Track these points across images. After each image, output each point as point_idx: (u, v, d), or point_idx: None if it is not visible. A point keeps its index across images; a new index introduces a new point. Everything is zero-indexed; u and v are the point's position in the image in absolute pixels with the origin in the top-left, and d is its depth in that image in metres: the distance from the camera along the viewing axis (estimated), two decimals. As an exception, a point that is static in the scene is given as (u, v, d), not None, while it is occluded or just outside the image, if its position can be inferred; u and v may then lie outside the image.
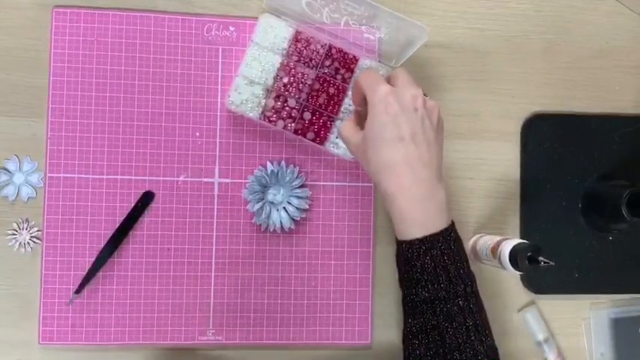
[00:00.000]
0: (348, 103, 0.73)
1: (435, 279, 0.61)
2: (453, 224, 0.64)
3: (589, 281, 0.79)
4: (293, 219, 0.73)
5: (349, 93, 0.73)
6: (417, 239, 0.61)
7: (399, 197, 0.61)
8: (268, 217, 0.73)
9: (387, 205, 0.63)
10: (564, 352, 0.79)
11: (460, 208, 0.78)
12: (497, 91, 0.79)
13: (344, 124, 0.68)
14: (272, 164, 0.74)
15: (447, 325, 0.60)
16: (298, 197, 0.74)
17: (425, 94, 0.65)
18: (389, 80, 0.64)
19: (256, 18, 0.73)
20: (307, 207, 0.74)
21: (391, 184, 0.62)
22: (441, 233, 0.61)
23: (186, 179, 0.73)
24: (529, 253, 0.66)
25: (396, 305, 0.76)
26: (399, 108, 0.61)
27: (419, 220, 0.61)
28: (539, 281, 0.78)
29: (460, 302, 0.61)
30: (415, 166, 0.61)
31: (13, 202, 0.72)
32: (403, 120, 0.61)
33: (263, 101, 0.72)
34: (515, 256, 0.66)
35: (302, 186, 0.74)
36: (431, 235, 0.61)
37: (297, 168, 0.74)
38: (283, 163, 0.74)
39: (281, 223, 0.73)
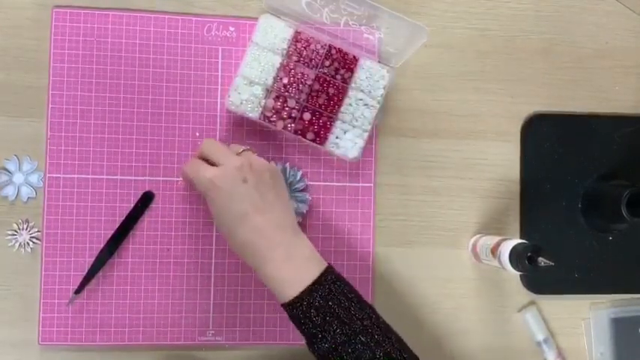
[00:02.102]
0: (348, 103, 0.73)
1: (329, 327, 0.61)
2: (328, 268, 0.63)
3: (589, 281, 0.79)
4: (292, 219, 0.74)
5: (349, 93, 0.73)
6: (296, 297, 0.61)
7: (264, 267, 0.63)
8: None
9: (259, 277, 0.64)
10: (564, 352, 0.79)
11: (460, 208, 0.78)
12: (497, 91, 0.79)
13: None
14: (276, 164, 0.74)
15: None
16: (298, 201, 0.74)
17: (251, 149, 0.66)
18: (204, 156, 0.66)
19: (256, 18, 0.73)
20: (304, 212, 0.74)
21: (253, 258, 0.63)
22: (316, 282, 0.61)
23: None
24: (529, 253, 0.66)
25: (396, 305, 0.76)
26: (228, 189, 0.62)
27: (290, 280, 0.62)
28: (539, 281, 0.78)
29: (362, 338, 0.60)
30: (268, 234, 0.62)
31: (13, 202, 0.72)
32: (237, 198, 0.62)
33: (263, 101, 0.72)
34: (515, 256, 0.66)
35: (303, 190, 0.74)
36: (306, 289, 0.61)
37: (301, 171, 0.74)
38: (287, 164, 0.74)
39: (280, 223, 0.73)
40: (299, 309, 0.61)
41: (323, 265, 0.63)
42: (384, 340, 0.61)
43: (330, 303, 0.61)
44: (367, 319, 0.62)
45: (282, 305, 0.63)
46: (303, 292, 0.61)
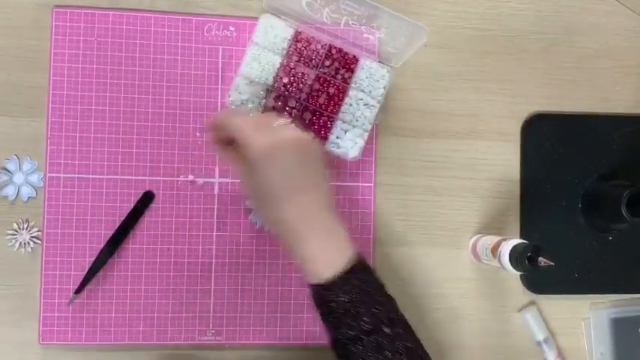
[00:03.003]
0: (348, 103, 0.73)
1: (356, 314, 0.60)
2: (358, 255, 0.63)
3: (589, 281, 0.79)
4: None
5: (349, 93, 0.73)
6: (329, 280, 0.60)
7: (301, 248, 0.61)
8: (268, 217, 0.73)
9: (292, 256, 0.63)
10: (564, 352, 0.79)
11: (460, 208, 0.78)
12: (497, 91, 0.79)
13: (224, 156, 0.66)
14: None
15: (378, 355, 0.60)
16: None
17: (291, 122, 0.64)
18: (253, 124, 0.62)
19: (256, 18, 0.73)
20: None
21: (291, 239, 0.62)
22: (349, 268, 0.61)
23: (194, 179, 0.73)
24: (529, 253, 0.66)
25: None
26: (279, 163, 0.60)
27: (325, 263, 0.61)
28: (539, 281, 0.78)
29: (386, 330, 0.60)
30: (310, 215, 0.61)
31: (13, 202, 0.72)
32: (287, 173, 0.61)
33: (263, 101, 0.72)
34: (515, 256, 0.66)
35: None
36: (340, 273, 0.60)
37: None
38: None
39: (281, 223, 0.73)
40: (331, 291, 0.60)
41: (354, 251, 0.63)
42: (405, 334, 0.62)
43: (361, 291, 0.61)
44: (392, 311, 0.62)
45: (314, 285, 0.62)
46: (338, 277, 0.60)
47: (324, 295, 0.61)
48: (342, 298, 0.60)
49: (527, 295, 0.79)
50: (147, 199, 0.73)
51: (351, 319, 0.60)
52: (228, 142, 0.65)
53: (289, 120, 0.64)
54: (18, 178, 0.72)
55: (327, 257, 0.61)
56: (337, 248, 0.62)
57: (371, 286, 0.62)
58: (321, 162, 0.63)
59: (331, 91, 0.73)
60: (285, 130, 0.62)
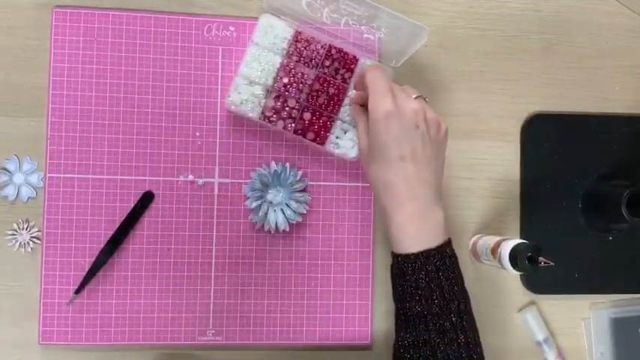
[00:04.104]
0: (348, 103, 0.73)
1: (428, 294, 0.61)
2: (449, 242, 0.64)
3: (589, 281, 0.79)
4: (289, 221, 0.73)
5: (349, 93, 0.73)
6: (413, 254, 0.62)
7: (396, 213, 0.63)
8: (265, 216, 0.73)
9: (385, 219, 0.64)
10: (564, 352, 0.79)
11: (460, 208, 0.78)
12: (497, 91, 0.79)
13: (353, 111, 0.70)
14: (276, 164, 0.74)
15: (438, 340, 0.60)
16: (297, 201, 0.74)
17: (425, 99, 0.65)
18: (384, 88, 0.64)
19: (256, 18, 0.73)
20: (305, 212, 0.74)
21: (389, 200, 0.63)
22: (437, 249, 0.62)
23: (194, 179, 0.73)
24: (529, 253, 0.66)
25: (396, 305, 0.76)
26: (400, 128, 0.62)
27: (415, 236, 0.62)
28: (539, 281, 0.78)
29: (453, 319, 0.61)
30: (414, 184, 0.62)
31: (13, 202, 0.72)
32: (404, 139, 0.62)
33: (263, 101, 0.72)
34: (515, 256, 0.66)
35: (303, 190, 0.74)
36: (426, 251, 0.62)
37: (301, 172, 0.74)
38: (287, 164, 0.74)
39: (276, 223, 0.73)
40: (411, 265, 0.62)
41: (446, 237, 0.64)
42: (470, 329, 0.62)
43: (440, 274, 0.61)
44: (464, 304, 0.63)
45: (397, 255, 0.63)
46: (421, 252, 0.62)
47: (405, 268, 0.62)
48: (421, 274, 0.61)
49: (527, 295, 0.79)
50: (147, 199, 0.73)
51: (423, 296, 0.61)
52: (363, 103, 0.67)
53: (424, 96, 0.66)
54: (18, 178, 0.72)
55: (418, 232, 0.62)
56: (430, 227, 0.63)
57: (452, 274, 0.62)
58: (439, 144, 0.65)
59: (331, 91, 0.73)
60: (411, 101, 0.63)
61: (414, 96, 0.65)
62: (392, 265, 0.64)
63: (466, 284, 0.63)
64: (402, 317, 0.63)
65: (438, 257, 0.62)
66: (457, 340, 0.61)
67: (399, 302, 0.64)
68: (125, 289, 0.72)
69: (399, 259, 0.63)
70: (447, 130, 0.66)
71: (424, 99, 0.66)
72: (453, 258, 0.63)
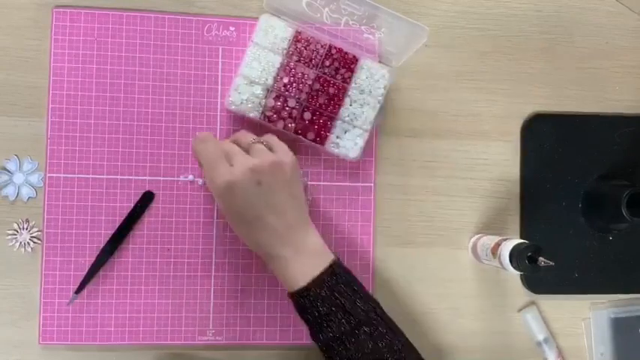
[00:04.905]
0: (348, 103, 0.73)
1: (334, 317, 0.62)
2: (336, 259, 0.65)
3: (589, 281, 0.79)
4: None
5: (349, 93, 0.73)
6: (303, 287, 0.63)
7: (275, 260, 0.65)
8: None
9: (268, 266, 0.66)
10: (564, 352, 0.79)
11: (460, 208, 0.78)
12: (497, 91, 0.79)
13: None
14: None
15: (360, 355, 0.61)
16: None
17: (262, 142, 0.65)
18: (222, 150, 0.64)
19: (256, 18, 0.73)
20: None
21: (264, 252, 0.65)
22: (324, 273, 0.63)
23: (194, 179, 0.73)
24: (529, 253, 0.66)
25: (396, 305, 0.76)
26: (244, 194, 0.62)
27: (299, 271, 0.63)
28: (539, 281, 0.78)
29: (366, 329, 0.62)
30: (279, 232, 0.64)
31: (13, 202, 0.72)
32: (252, 202, 0.63)
33: (263, 101, 0.72)
34: (515, 256, 0.66)
35: (303, 190, 0.74)
36: (314, 280, 0.63)
37: (301, 171, 0.74)
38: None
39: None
40: (306, 298, 0.62)
41: (330, 257, 0.65)
42: (387, 332, 0.62)
43: (335, 294, 0.62)
44: (372, 311, 0.63)
45: (290, 295, 0.64)
46: (310, 283, 0.63)
47: (302, 302, 0.63)
48: (318, 303, 0.62)
49: (527, 295, 0.79)
50: (147, 199, 0.73)
51: (330, 321, 0.62)
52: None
53: (260, 139, 0.66)
54: (18, 178, 0.72)
55: (299, 268, 0.64)
56: (309, 258, 0.64)
57: (347, 288, 0.63)
58: (290, 181, 0.65)
59: (331, 91, 0.73)
60: (247, 160, 0.63)
61: (250, 141, 0.65)
62: (294, 307, 0.65)
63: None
64: (323, 347, 0.63)
65: (327, 280, 0.63)
66: (378, 348, 0.61)
67: (312, 336, 0.65)
68: (125, 289, 0.72)
69: (295, 297, 0.64)
70: (294, 160, 0.66)
71: (261, 142, 0.66)
72: (343, 274, 0.64)
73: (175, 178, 0.74)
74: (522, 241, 0.68)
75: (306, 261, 0.64)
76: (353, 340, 0.61)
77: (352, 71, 0.73)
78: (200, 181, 0.74)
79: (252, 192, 0.63)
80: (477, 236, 0.77)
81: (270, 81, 0.72)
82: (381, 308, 0.65)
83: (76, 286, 0.71)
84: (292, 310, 0.74)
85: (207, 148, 0.65)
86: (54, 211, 0.72)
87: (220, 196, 0.64)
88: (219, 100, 0.74)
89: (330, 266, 0.64)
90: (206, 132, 0.70)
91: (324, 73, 0.73)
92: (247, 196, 0.62)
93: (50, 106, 0.72)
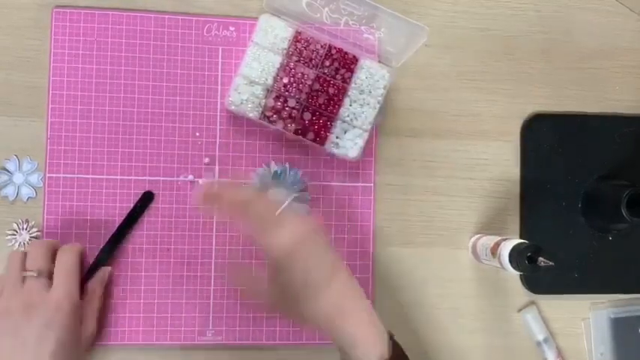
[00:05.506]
0: (348, 103, 0.73)
1: None
2: (390, 333, 0.61)
3: (589, 281, 0.79)
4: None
5: (349, 93, 0.73)
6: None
7: (343, 331, 0.59)
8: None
9: (333, 340, 0.60)
10: (564, 352, 0.79)
11: (460, 208, 0.78)
12: (497, 91, 0.79)
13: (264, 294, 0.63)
14: (276, 164, 0.74)
15: None
16: (298, 201, 0.73)
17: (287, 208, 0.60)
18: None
19: (256, 18, 0.73)
20: (305, 212, 0.74)
21: (331, 323, 0.59)
22: (394, 352, 0.59)
23: (194, 179, 0.73)
24: (529, 253, 0.66)
25: (396, 305, 0.76)
26: (307, 252, 0.58)
27: (369, 344, 0.59)
28: (539, 281, 0.78)
29: None
30: (347, 294, 0.60)
31: (13, 202, 0.72)
32: (316, 261, 0.59)
33: (263, 101, 0.72)
34: (514, 256, 0.66)
35: (303, 190, 0.74)
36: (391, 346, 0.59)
37: (301, 172, 0.74)
38: (287, 164, 0.74)
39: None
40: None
41: (387, 330, 0.61)
42: None
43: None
44: None
45: None
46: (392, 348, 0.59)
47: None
48: None
49: (527, 295, 0.79)
50: (147, 199, 0.73)
51: None
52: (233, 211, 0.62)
53: (285, 202, 0.61)
54: (18, 178, 0.72)
55: (369, 340, 0.59)
56: (375, 330, 0.60)
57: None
58: (330, 243, 0.61)
59: (331, 91, 0.73)
60: (295, 221, 0.59)
61: (282, 209, 0.60)
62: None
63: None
64: None
65: (394, 345, 0.60)
66: None
67: None
68: (125, 289, 0.72)
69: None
70: (321, 226, 0.61)
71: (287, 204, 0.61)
72: (402, 351, 0.61)
73: (175, 178, 0.74)
74: (522, 241, 0.68)
75: (371, 333, 0.59)
76: None
77: (352, 71, 0.73)
78: (201, 181, 0.74)
79: (313, 252, 0.59)
80: (476, 236, 0.77)
81: (270, 81, 0.72)
82: None
83: (76, 286, 0.71)
84: (292, 310, 0.74)
85: (262, 204, 0.60)
86: (53, 211, 0.72)
87: (284, 262, 0.58)
88: (219, 100, 0.74)
89: (392, 341, 0.60)
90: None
91: (324, 73, 0.73)
92: (310, 257, 0.58)
93: (50, 106, 0.72)
